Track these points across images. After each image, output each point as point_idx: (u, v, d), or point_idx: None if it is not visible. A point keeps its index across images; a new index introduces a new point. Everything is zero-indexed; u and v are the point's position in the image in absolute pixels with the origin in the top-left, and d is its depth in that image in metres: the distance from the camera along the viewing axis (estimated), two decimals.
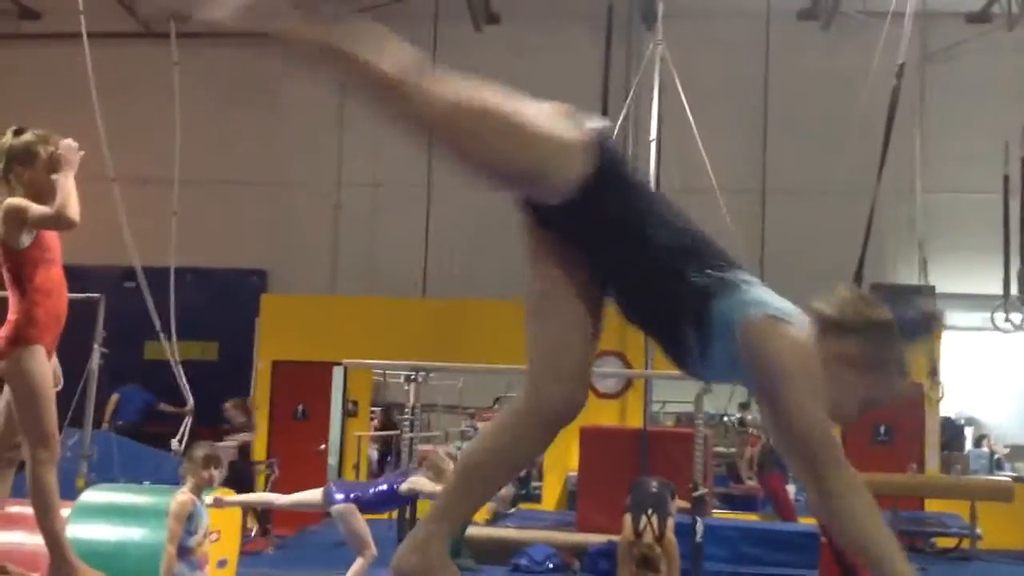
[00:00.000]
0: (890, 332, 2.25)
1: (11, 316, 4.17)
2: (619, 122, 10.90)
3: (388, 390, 14.13)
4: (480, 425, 13.47)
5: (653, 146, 10.47)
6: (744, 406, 13.78)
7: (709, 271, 2.26)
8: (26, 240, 4.14)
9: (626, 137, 12.82)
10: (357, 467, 12.19)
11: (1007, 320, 11.28)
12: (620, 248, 2.30)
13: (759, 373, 2.21)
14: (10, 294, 4.20)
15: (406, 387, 6.92)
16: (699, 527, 7.90)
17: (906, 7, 9.85)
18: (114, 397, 11.84)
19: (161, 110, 9.77)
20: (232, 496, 6.55)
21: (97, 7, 9.61)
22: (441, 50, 13.71)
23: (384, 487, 6.91)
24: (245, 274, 13.94)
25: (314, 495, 6.83)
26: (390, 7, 13.66)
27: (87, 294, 7.08)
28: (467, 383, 12.73)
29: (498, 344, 11.24)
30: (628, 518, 7.68)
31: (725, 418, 14.09)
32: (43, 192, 4.15)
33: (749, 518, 11.53)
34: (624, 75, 13.13)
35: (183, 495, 5.28)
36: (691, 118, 10.17)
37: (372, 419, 13.56)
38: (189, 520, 5.24)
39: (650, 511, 7.63)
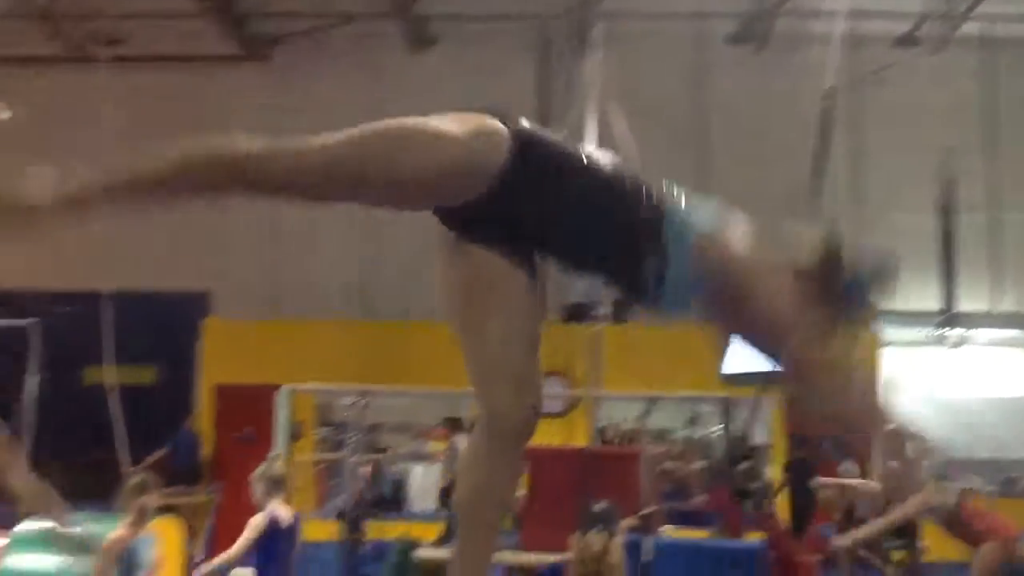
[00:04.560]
0: (846, 269, 2.34)
1: None
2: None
3: (334, 411, 13.96)
4: (429, 445, 13.40)
5: None
6: (692, 421, 13.77)
7: (655, 203, 2.27)
8: None
9: None
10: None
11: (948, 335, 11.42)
12: (559, 212, 2.24)
13: (723, 284, 2.23)
14: None
15: (345, 412, 6.81)
16: (647, 545, 7.90)
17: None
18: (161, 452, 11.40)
19: (90, 132, 9.59)
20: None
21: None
22: (379, 74, 13.69)
23: None
24: (183, 297, 13.65)
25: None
26: (327, 32, 13.60)
27: (15, 320, 6.84)
28: (415, 401, 12.71)
29: (444, 364, 11.18)
30: (578, 536, 7.66)
31: (678, 434, 14.09)
32: None
33: (699, 534, 11.51)
34: (562, 97, 13.14)
35: (116, 532, 5.06)
36: (630, 136, 10.21)
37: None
38: (126, 556, 5.05)
39: (599, 528, 7.63)
